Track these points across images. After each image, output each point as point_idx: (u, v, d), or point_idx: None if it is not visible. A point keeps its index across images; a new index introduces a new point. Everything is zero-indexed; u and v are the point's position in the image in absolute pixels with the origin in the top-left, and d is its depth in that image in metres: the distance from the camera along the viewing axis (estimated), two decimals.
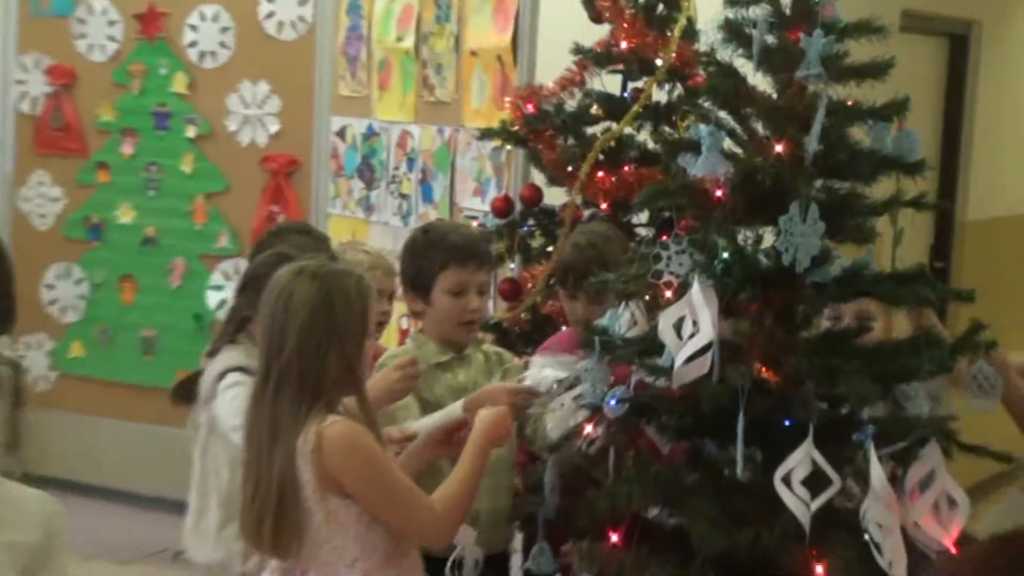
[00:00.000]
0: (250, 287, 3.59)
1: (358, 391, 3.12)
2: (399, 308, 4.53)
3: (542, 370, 3.46)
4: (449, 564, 3.35)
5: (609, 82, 5.05)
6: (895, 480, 2.89)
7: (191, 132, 6.92)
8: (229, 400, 3.50)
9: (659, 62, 4.84)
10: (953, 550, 2.89)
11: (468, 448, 3.20)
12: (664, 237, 3.19)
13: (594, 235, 4.04)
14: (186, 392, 3.82)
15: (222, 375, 3.57)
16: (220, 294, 6.86)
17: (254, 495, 3.04)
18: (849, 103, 3.09)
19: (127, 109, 7.05)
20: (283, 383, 3.03)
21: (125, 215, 7.05)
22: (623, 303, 3.29)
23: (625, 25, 4.91)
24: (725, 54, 3.17)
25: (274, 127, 6.77)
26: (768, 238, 3.06)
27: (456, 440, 3.30)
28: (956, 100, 7.93)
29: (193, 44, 6.90)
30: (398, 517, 3.08)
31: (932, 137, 7.73)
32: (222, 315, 6.72)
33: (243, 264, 6.77)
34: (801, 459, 2.86)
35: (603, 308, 3.55)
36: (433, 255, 3.71)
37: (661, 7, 5.00)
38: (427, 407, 3.62)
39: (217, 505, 3.64)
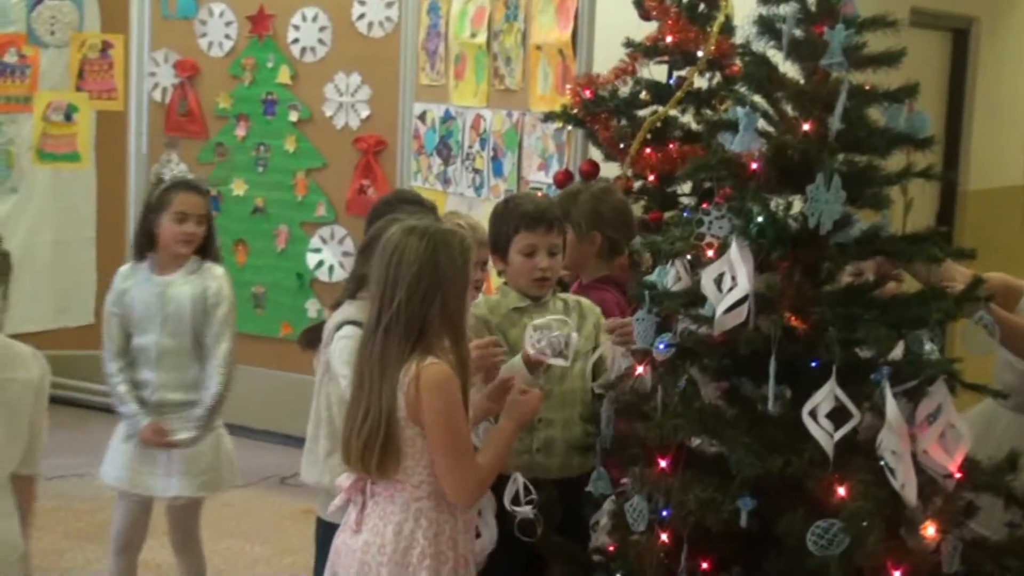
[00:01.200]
0: (368, 249, 3.55)
1: (456, 338, 3.11)
2: (493, 274, 4.53)
3: (540, 339, 3.44)
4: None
5: (656, 71, 5.05)
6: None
7: (294, 117, 6.96)
8: (340, 351, 3.50)
9: (700, 54, 4.84)
10: (957, 474, 2.89)
11: (502, 431, 3.19)
12: (705, 205, 3.18)
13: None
14: (311, 338, 3.81)
15: (339, 326, 3.55)
16: (318, 256, 6.92)
17: (363, 423, 3.06)
18: (867, 88, 3.07)
19: (240, 97, 7.09)
20: (392, 328, 3.04)
21: (239, 188, 7.09)
22: (670, 261, 3.29)
23: (671, 22, 4.91)
24: (759, 46, 3.15)
25: (364, 112, 6.80)
26: (797, 205, 3.06)
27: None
28: (958, 86, 7.87)
29: (296, 41, 6.93)
30: (447, 463, 3.06)
31: (938, 118, 7.67)
32: (320, 273, 6.85)
33: (338, 230, 6.86)
34: (825, 396, 2.86)
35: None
36: (509, 221, 3.72)
37: (702, 6, 4.99)
38: (507, 347, 3.61)
39: (325, 436, 3.62)
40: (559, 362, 3.41)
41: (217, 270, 4.50)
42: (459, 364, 3.10)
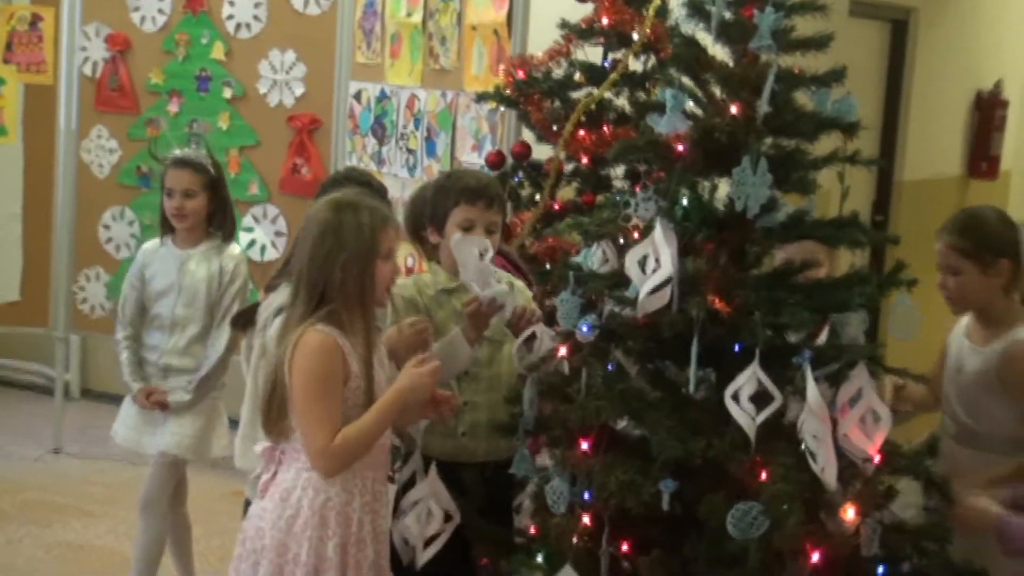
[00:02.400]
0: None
1: (363, 306, 3.09)
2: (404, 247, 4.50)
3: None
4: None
5: (592, 53, 5.03)
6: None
7: (228, 94, 6.88)
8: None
9: (636, 36, 4.83)
10: (876, 458, 2.91)
11: (385, 403, 3.10)
12: (639, 188, 3.18)
13: None
14: (244, 320, 3.81)
15: (279, 311, 3.48)
16: (250, 235, 6.86)
17: (272, 391, 3.09)
18: (795, 71, 3.07)
19: (173, 73, 7.00)
20: (298, 294, 3.07)
21: None
22: (596, 243, 3.28)
23: (606, 4, 4.89)
24: (688, 27, 3.15)
25: (299, 90, 6.73)
26: (723, 188, 3.06)
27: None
28: (896, 76, 7.92)
29: (231, 17, 6.84)
30: (303, 430, 3.06)
31: (875, 108, 7.72)
32: (252, 253, 6.79)
33: (271, 209, 6.81)
34: (748, 379, 2.86)
35: None
36: (449, 194, 3.67)
37: None
38: (434, 327, 3.58)
39: None
40: (475, 288, 3.42)
41: (234, 249, 4.70)
42: (363, 341, 3.07)
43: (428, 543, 3.41)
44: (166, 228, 4.70)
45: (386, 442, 3.20)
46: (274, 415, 3.09)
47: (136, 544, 4.69)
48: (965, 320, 3.81)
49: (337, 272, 3.03)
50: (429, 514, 3.40)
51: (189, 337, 4.63)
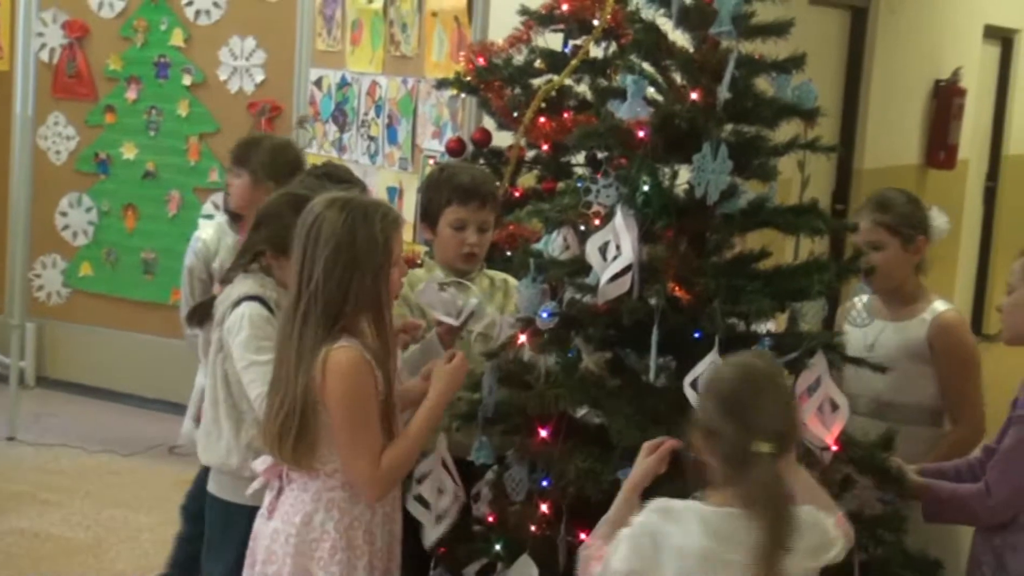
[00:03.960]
0: (263, 224, 3.45)
1: (378, 320, 2.96)
2: None
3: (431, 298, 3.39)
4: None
5: (552, 40, 4.99)
6: None
7: (187, 80, 6.84)
8: (238, 329, 3.37)
9: (596, 23, 4.78)
10: (834, 447, 2.89)
11: (426, 408, 3.04)
12: (599, 175, 3.15)
13: None
14: (199, 315, 3.67)
15: (237, 302, 3.41)
16: (211, 222, 6.79)
17: (279, 410, 2.93)
18: (756, 57, 3.05)
19: (132, 60, 6.95)
20: (310, 309, 2.89)
21: (129, 152, 6.96)
22: (556, 230, 3.26)
23: None
24: (648, 13, 3.12)
25: (260, 77, 6.70)
26: (684, 174, 3.03)
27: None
28: (856, 65, 7.93)
29: (190, 3, 6.80)
30: (347, 454, 2.93)
31: (835, 96, 7.73)
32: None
33: None
34: (708, 367, 2.84)
35: None
36: (442, 191, 3.64)
37: None
38: (427, 323, 3.55)
39: (226, 417, 3.48)
40: (448, 320, 3.35)
41: None
42: (382, 348, 2.96)
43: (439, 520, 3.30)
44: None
45: None
46: (291, 442, 2.92)
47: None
48: (858, 301, 3.86)
49: (354, 287, 2.89)
50: (440, 490, 3.31)
51: None
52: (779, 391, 2.58)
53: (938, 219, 3.86)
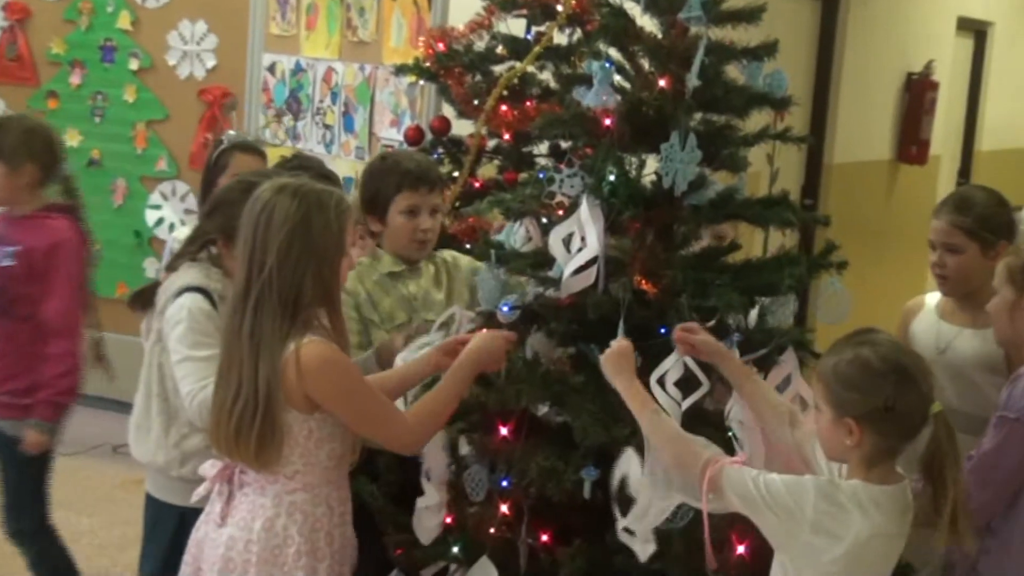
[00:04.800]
0: (216, 211, 3.43)
1: (332, 307, 2.92)
2: None
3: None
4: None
5: (514, 26, 4.98)
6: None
7: (134, 65, 6.80)
8: (177, 320, 3.34)
9: (560, 8, 4.78)
10: None
11: (456, 367, 3.02)
12: (562, 166, 3.14)
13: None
14: (143, 300, 3.59)
15: (179, 292, 3.38)
16: (158, 212, 6.76)
17: (232, 408, 2.85)
18: (726, 44, 3.05)
19: (76, 43, 6.90)
20: (263, 299, 2.82)
21: (72, 139, 6.89)
22: (518, 220, 3.25)
23: None
24: None
25: (210, 62, 6.66)
26: (651, 164, 3.03)
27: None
28: (827, 56, 7.95)
29: None
30: (374, 428, 2.93)
31: (806, 88, 7.75)
32: (160, 231, 6.68)
33: (180, 186, 6.71)
34: (674, 363, 2.85)
35: None
36: (389, 179, 3.64)
37: None
38: (379, 316, 3.60)
39: (159, 412, 3.47)
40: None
41: None
42: (338, 338, 2.92)
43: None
44: None
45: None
46: (253, 442, 2.83)
47: None
48: (929, 302, 3.82)
49: (309, 278, 2.84)
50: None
51: None
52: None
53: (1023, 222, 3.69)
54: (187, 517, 3.28)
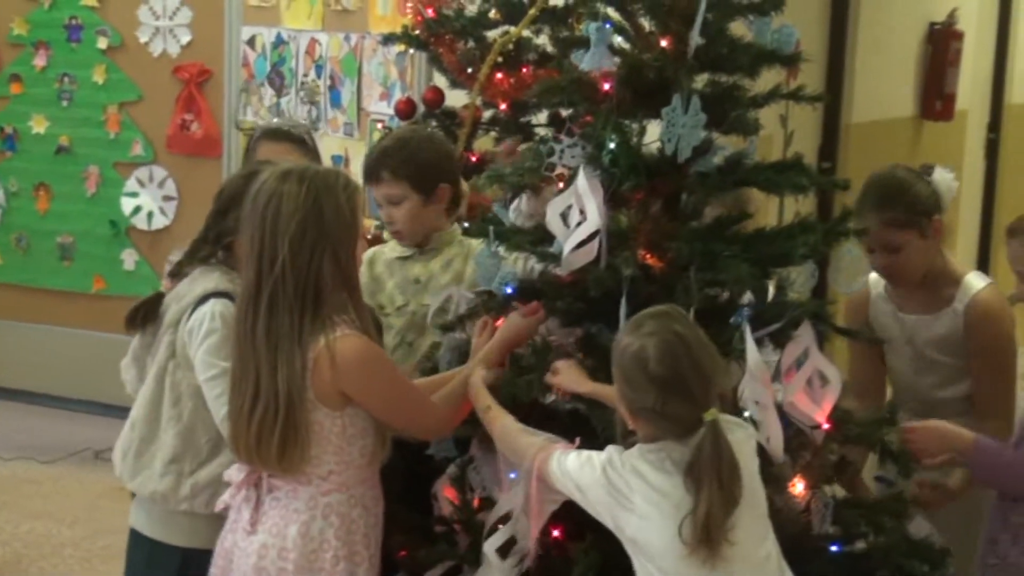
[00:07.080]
0: (229, 208, 3.22)
1: (353, 293, 2.94)
2: None
3: None
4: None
5: None
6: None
7: (102, 44, 6.81)
8: (204, 332, 3.15)
9: None
10: (825, 425, 2.90)
11: (491, 344, 3.09)
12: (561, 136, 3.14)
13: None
14: (145, 316, 3.34)
15: (202, 299, 3.19)
16: (135, 200, 6.77)
17: (252, 410, 2.85)
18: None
19: (39, 23, 6.91)
20: (277, 296, 2.82)
21: (39, 125, 6.93)
22: (519, 195, 3.26)
23: None
24: None
25: (185, 38, 6.67)
26: (654, 130, 3.02)
27: None
28: (841, 7, 7.93)
29: None
30: (408, 419, 3.01)
31: (820, 43, 7.73)
32: (138, 220, 6.70)
33: (158, 171, 6.72)
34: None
35: None
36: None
37: None
38: (382, 297, 3.71)
39: (175, 436, 3.24)
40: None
41: None
42: (365, 326, 2.94)
43: None
44: None
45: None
46: (275, 446, 2.85)
47: None
48: (872, 292, 3.80)
49: (327, 267, 2.85)
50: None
51: None
52: (706, 347, 2.66)
53: (943, 181, 3.67)
54: (190, 559, 3.20)
